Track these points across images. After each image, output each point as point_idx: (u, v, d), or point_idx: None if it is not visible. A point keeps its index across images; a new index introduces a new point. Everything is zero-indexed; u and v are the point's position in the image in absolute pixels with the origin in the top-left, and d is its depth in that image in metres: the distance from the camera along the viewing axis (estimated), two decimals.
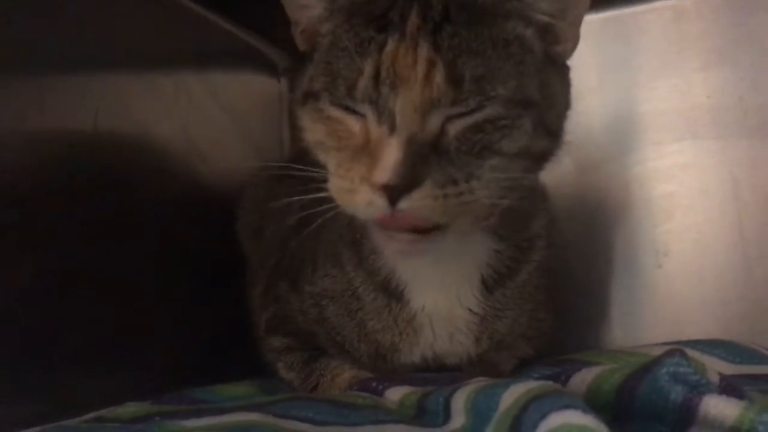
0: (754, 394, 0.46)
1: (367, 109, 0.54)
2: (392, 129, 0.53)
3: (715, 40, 1.01)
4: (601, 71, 1.07)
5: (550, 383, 0.46)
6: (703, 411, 0.42)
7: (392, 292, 0.68)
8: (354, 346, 0.70)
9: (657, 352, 0.68)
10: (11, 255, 0.70)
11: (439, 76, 0.53)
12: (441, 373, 0.68)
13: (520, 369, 0.75)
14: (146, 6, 0.93)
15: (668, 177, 1.01)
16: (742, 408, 0.42)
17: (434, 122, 0.54)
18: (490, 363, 0.72)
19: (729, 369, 0.68)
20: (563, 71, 0.64)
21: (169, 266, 0.91)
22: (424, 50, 0.53)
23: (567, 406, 0.39)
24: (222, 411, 0.61)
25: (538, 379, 0.68)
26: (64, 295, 0.75)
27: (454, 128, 0.54)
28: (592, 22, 1.07)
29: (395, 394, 0.63)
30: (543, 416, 0.40)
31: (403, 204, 0.51)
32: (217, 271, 0.97)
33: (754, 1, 0.99)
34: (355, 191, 0.53)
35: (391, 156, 0.51)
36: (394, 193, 0.51)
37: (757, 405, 0.42)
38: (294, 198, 0.62)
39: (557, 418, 0.39)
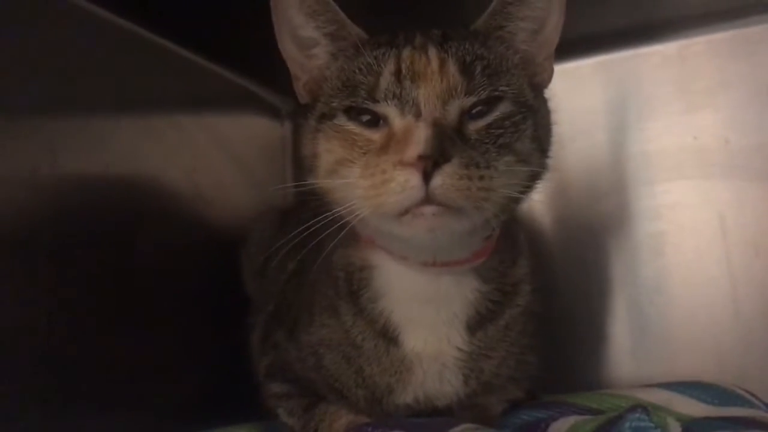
0: None
1: (389, 106, 0.60)
2: (418, 116, 0.58)
3: (699, 84, 1.05)
4: (594, 114, 1.11)
5: None
6: None
7: (390, 337, 0.71)
8: (351, 392, 0.73)
9: (640, 394, 0.72)
10: (19, 297, 0.73)
11: (452, 69, 0.60)
12: (433, 419, 0.70)
13: (511, 411, 0.77)
14: (153, 60, 0.98)
15: (658, 216, 1.05)
16: None
17: (453, 111, 0.60)
18: (480, 406, 0.76)
19: (707, 411, 0.71)
20: (545, 100, 0.71)
21: (175, 308, 0.95)
22: (434, 52, 0.61)
23: None
24: None
25: (526, 420, 0.72)
26: (69, 337, 0.78)
27: (475, 126, 0.61)
28: (583, 66, 1.12)
29: None
30: None
31: (436, 180, 0.55)
32: (222, 312, 1.01)
33: (735, 47, 1.03)
34: (389, 179, 0.56)
35: (421, 133, 0.56)
36: (428, 165, 0.55)
37: None
38: (299, 230, 0.64)
39: None
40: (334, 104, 0.63)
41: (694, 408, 0.72)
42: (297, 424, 0.78)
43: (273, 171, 1.25)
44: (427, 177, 0.55)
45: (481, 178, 0.57)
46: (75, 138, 0.83)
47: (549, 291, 1.06)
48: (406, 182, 0.55)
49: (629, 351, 1.04)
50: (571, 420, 0.56)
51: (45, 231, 0.77)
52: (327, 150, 0.63)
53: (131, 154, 0.92)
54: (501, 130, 0.62)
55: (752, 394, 0.74)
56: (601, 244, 1.08)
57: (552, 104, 0.73)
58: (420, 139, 0.56)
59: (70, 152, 0.82)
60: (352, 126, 0.62)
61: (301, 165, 1.24)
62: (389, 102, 0.60)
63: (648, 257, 1.05)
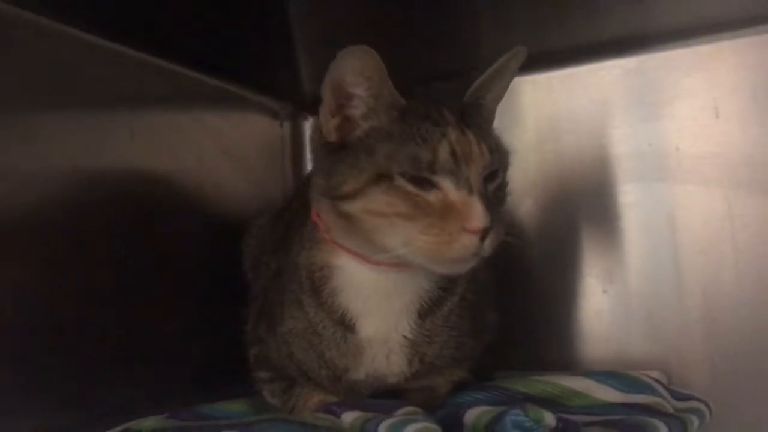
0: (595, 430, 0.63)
1: (445, 179, 0.72)
2: (470, 191, 0.72)
3: (655, 96, 1.15)
4: (561, 121, 1.22)
5: (433, 426, 0.64)
6: None
7: (347, 325, 0.83)
8: (316, 373, 0.87)
9: (564, 381, 0.87)
10: (34, 278, 0.84)
11: (485, 151, 0.74)
12: (387, 401, 0.84)
13: (457, 392, 0.91)
14: (164, 82, 1.12)
15: (616, 215, 1.17)
16: None
17: (481, 181, 0.75)
18: (429, 388, 0.90)
19: (620, 397, 0.84)
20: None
21: (175, 297, 1.09)
22: (470, 135, 0.74)
23: None
24: (217, 428, 0.81)
25: (460, 402, 0.86)
26: (86, 314, 0.89)
27: (491, 188, 0.77)
28: (553, 77, 1.24)
29: (349, 417, 0.79)
30: None
31: (487, 242, 0.71)
32: (221, 301, 1.13)
33: (689, 63, 1.13)
34: (454, 240, 0.70)
35: (479, 208, 0.71)
36: (485, 234, 0.71)
37: None
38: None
39: None
40: (394, 168, 0.73)
41: (610, 395, 0.85)
42: (278, 403, 0.93)
43: (273, 170, 1.36)
44: (483, 239, 0.71)
45: (500, 232, 0.73)
46: (89, 139, 0.96)
47: (523, 282, 1.21)
48: (470, 244, 0.70)
49: (585, 334, 1.18)
50: (481, 409, 0.70)
51: (56, 218, 0.89)
52: (387, 203, 0.73)
53: (144, 157, 1.06)
54: (502, 192, 0.80)
55: (659, 382, 0.87)
56: (564, 239, 1.20)
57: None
58: (480, 213, 0.70)
59: (82, 149, 0.95)
60: (411, 188, 0.73)
61: (300, 165, 1.39)
62: (445, 175, 0.72)
63: (606, 251, 1.17)
